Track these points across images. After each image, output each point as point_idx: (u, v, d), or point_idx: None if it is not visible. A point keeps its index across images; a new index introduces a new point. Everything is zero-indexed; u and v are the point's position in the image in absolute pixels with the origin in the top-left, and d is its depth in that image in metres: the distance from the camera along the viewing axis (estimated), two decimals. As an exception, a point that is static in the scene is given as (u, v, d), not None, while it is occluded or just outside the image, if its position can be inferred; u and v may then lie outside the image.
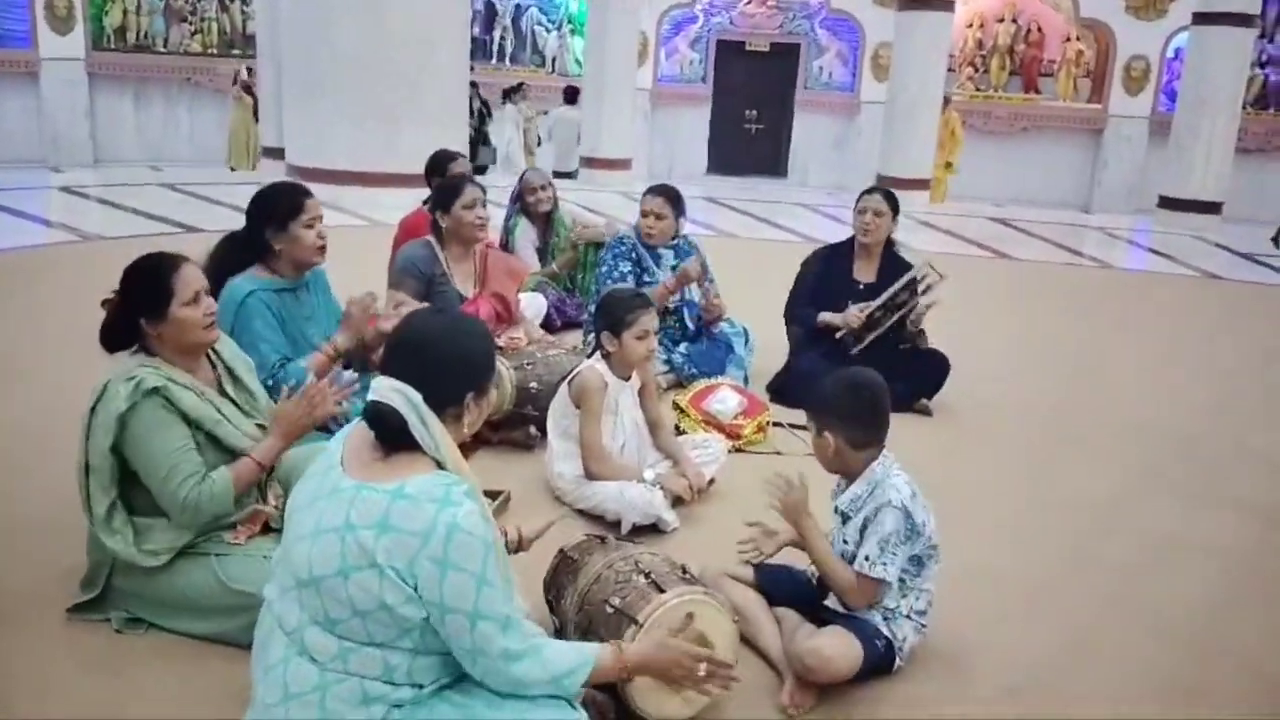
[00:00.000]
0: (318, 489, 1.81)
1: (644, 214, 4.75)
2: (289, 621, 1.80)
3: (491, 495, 3.18)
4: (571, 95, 14.71)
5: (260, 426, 2.54)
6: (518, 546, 2.36)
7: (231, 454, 2.44)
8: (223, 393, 2.54)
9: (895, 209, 4.64)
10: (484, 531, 1.71)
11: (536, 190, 5.80)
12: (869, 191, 4.77)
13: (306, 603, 1.76)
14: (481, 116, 14.55)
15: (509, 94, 14.42)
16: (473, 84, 15.03)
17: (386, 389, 1.77)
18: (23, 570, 2.70)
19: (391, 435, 1.77)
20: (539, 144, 14.71)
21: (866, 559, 2.37)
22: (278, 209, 3.18)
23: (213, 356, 2.57)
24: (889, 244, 4.71)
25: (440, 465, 1.76)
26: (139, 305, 2.36)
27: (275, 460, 2.52)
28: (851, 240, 4.74)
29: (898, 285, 4.47)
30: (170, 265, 2.39)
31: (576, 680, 1.83)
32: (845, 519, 2.50)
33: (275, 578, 1.88)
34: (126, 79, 14.93)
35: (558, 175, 13.81)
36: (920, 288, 4.49)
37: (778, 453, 3.96)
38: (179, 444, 2.34)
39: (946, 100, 14.55)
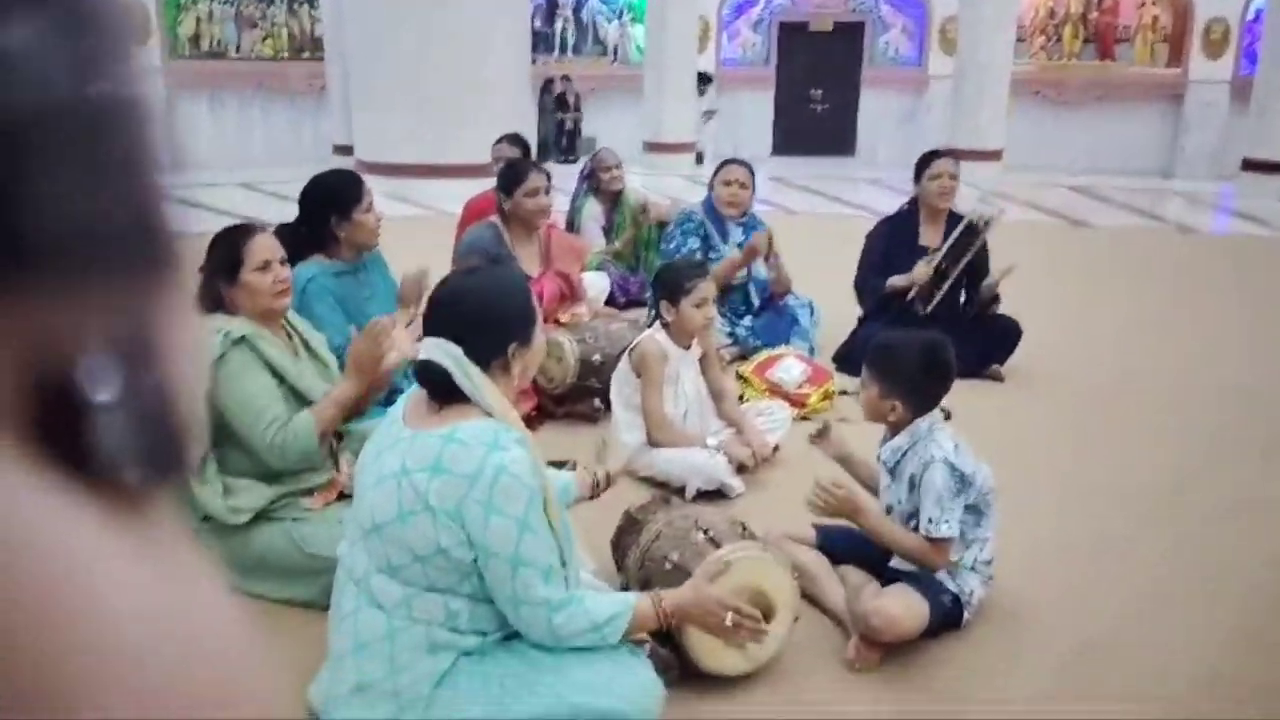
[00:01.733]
0: (381, 443, 1.88)
1: (726, 183, 4.76)
2: (357, 570, 1.86)
3: (558, 465, 3.22)
4: (702, 81, 14.87)
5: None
6: (606, 484, 2.40)
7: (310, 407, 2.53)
8: (298, 358, 2.66)
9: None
10: (530, 478, 1.75)
11: (611, 169, 5.84)
12: (937, 155, 4.71)
13: (373, 550, 1.82)
14: (570, 107, 14.80)
15: None
16: (565, 77, 15.27)
17: (431, 346, 1.82)
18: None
19: (440, 390, 1.82)
20: None
21: (930, 521, 2.35)
22: (341, 199, 3.31)
23: (288, 327, 2.68)
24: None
25: (490, 415, 1.80)
26: (215, 269, 2.51)
27: (351, 402, 2.57)
28: (913, 208, 4.68)
29: (955, 235, 4.42)
30: (244, 234, 2.54)
31: (617, 628, 1.85)
32: (890, 474, 2.49)
33: (347, 532, 1.94)
34: (201, 86, 15.35)
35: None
36: (979, 227, 4.43)
37: (844, 420, 3.93)
38: (266, 390, 2.46)
39: None
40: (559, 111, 15.47)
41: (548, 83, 15.38)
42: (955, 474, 2.36)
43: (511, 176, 4.29)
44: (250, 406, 2.43)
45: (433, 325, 1.87)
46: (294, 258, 3.23)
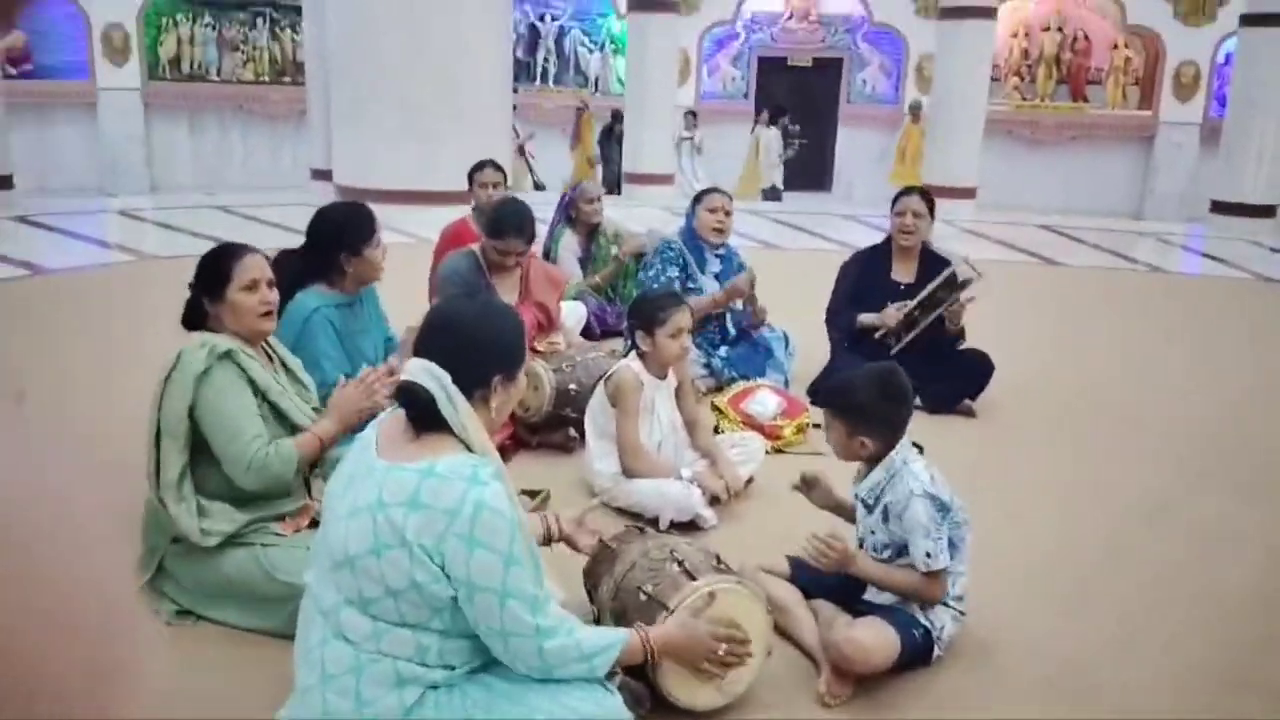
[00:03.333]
0: (353, 472, 1.86)
1: (712, 210, 4.79)
2: (325, 602, 1.84)
3: (531, 494, 3.22)
4: (775, 115, 15.25)
5: (316, 410, 2.65)
6: (559, 535, 2.35)
7: (291, 429, 2.54)
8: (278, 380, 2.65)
9: (931, 210, 4.63)
10: (510, 511, 1.74)
11: (593, 201, 5.87)
12: (906, 192, 4.76)
13: (342, 583, 1.80)
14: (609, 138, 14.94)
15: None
16: (614, 113, 15.45)
17: (417, 369, 1.82)
18: (87, 565, 2.77)
19: (421, 414, 1.81)
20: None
21: (927, 555, 2.35)
22: (354, 234, 3.27)
23: (268, 349, 2.68)
24: (924, 244, 4.70)
25: (468, 447, 1.80)
26: (202, 286, 2.52)
27: (332, 442, 2.59)
28: (888, 242, 4.73)
29: (935, 283, 4.45)
30: (233, 253, 2.54)
31: (608, 659, 1.84)
32: (868, 508, 2.50)
33: (314, 562, 1.92)
34: (181, 108, 15.32)
35: (766, 196, 14.66)
36: (958, 283, 4.46)
37: (818, 453, 3.94)
38: (249, 406, 2.45)
39: (918, 108, 14.74)
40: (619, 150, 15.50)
41: (609, 128, 15.42)
42: (936, 503, 2.37)
43: (494, 232, 4.22)
44: (233, 421, 2.43)
45: (423, 346, 1.88)
46: (297, 285, 3.24)
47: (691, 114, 15.69)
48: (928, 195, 4.71)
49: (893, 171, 15.03)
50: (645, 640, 1.95)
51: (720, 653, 2.06)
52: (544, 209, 6.25)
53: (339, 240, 3.26)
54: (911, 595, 2.41)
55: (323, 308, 3.22)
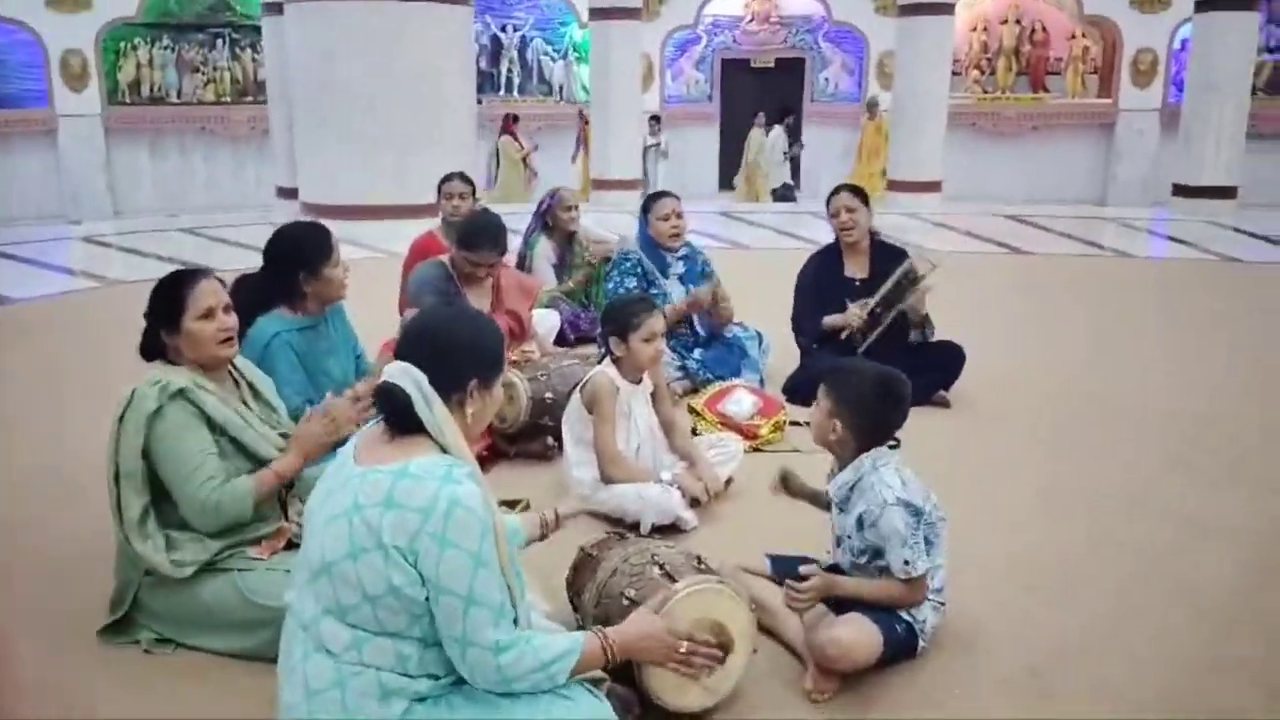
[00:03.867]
0: (331, 484, 1.86)
1: (664, 218, 4.79)
2: (305, 615, 1.83)
3: (510, 504, 3.20)
4: (780, 117, 15.35)
5: (284, 436, 2.60)
6: (555, 524, 2.37)
7: (255, 461, 2.49)
8: (245, 405, 2.60)
9: (864, 200, 4.70)
10: (484, 511, 1.74)
11: (571, 209, 5.86)
12: (835, 192, 4.81)
13: (321, 593, 1.80)
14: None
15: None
16: (654, 118, 15.42)
17: (395, 371, 1.82)
18: (61, 596, 2.76)
19: (398, 415, 1.81)
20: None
21: (905, 563, 2.36)
22: (310, 255, 3.20)
23: (234, 373, 2.64)
24: (872, 236, 4.74)
25: (444, 450, 1.80)
26: (157, 317, 2.47)
27: (294, 476, 2.56)
28: (839, 241, 4.76)
29: (891, 281, 4.48)
30: (186, 281, 2.48)
31: (564, 667, 1.83)
32: (840, 508, 2.51)
33: (295, 579, 1.91)
34: (142, 131, 15.18)
35: (777, 196, 14.63)
36: (915, 278, 4.49)
37: (795, 450, 3.96)
38: (202, 447, 2.40)
39: (874, 105, 14.89)
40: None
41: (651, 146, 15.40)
42: (910, 509, 2.38)
43: (467, 244, 4.24)
44: (186, 463, 2.38)
45: (404, 350, 1.88)
46: (258, 309, 3.20)
47: (655, 119, 15.73)
48: (856, 189, 4.78)
49: (853, 170, 15.13)
50: (604, 641, 1.94)
51: (682, 650, 2.04)
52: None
53: (296, 261, 3.19)
54: (894, 604, 2.41)
55: (282, 332, 3.17)
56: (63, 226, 12.65)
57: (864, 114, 15.48)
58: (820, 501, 2.69)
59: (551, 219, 5.86)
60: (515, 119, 15.34)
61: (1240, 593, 2.89)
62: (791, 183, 15.44)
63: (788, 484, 2.70)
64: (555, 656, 1.82)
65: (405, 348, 1.89)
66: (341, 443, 2.68)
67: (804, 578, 2.33)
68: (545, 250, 5.88)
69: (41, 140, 14.45)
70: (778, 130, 15.44)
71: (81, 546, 2.98)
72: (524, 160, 14.87)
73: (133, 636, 2.51)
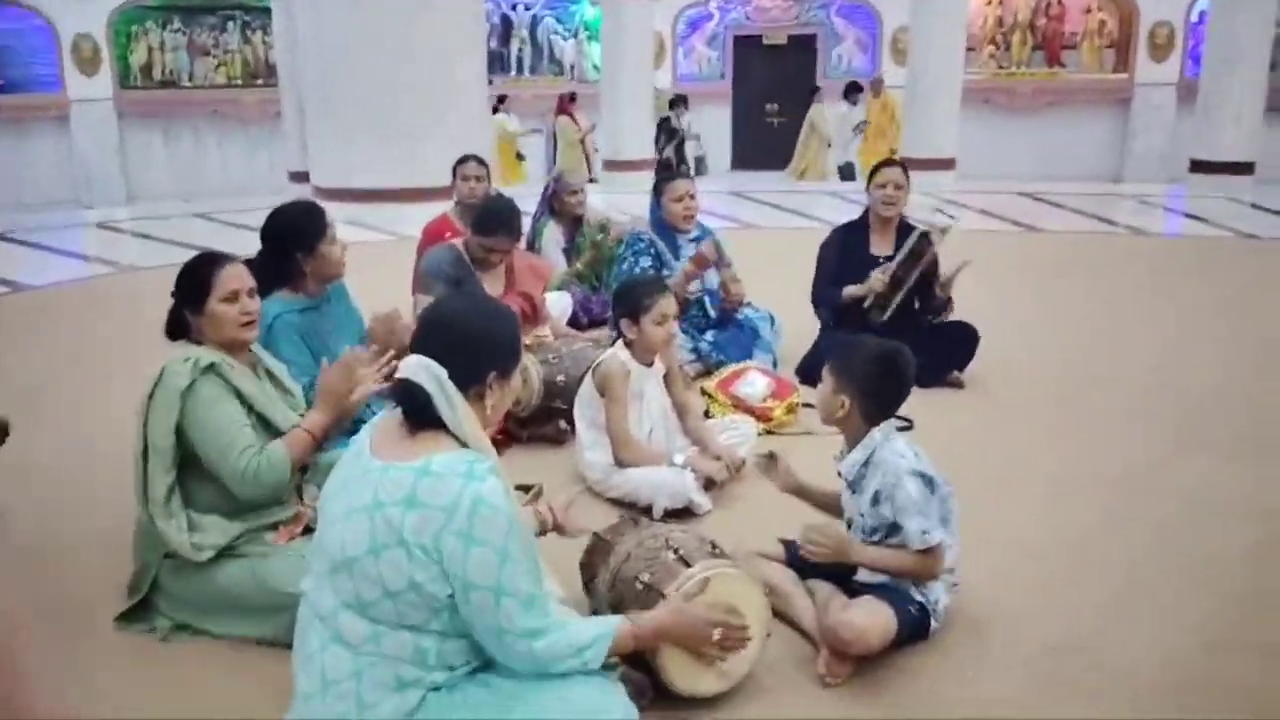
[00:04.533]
0: (348, 475, 1.86)
1: (678, 199, 4.78)
2: (323, 607, 1.83)
3: (524, 489, 3.21)
4: (849, 92, 14.94)
5: (302, 417, 2.62)
6: (553, 525, 2.37)
7: (278, 436, 2.52)
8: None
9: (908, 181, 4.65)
10: (507, 506, 1.74)
11: (576, 193, 5.85)
12: (887, 164, 4.77)
13: (340, 587, 1.80)
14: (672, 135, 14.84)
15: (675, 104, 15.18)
16: (679, 98, 15.27)
17: (415, 365, 1.81)
18: (79, 583, 2.79)
19: (418, 411, 1.80)
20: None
21: (923, 532, 2.35)
22: (304, 233, 3.24)
23: (253, 356, 2.67)
24: (901, 215, 4.72)
25: (463, 444, 1.79)
26: (182, 298, 2.51)
27: (324, 435, 2.57)
28: (865, 217, 4.73)
29: (912, 238, 4.47)
30: (213, 263, 2.53)
31: (599, 651, 1.84)
32: (851, 489, 2.50)
33: (311, 568, 1.92)
34: (154, 116, 15.21)
35: (843, 175, 14.36)
36: (935, 234, 4.48)
37: (809, 432, 3.95)
38: (237, 418, 2.44)
39: (880, 83, 14.73)
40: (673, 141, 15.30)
41: (664, 120, 15.20)
42: (924, 479, 2.38)
43: (482, 229, 4.24)
44: (223, 434, 2.41)
45: (421, 343, 1.86)
46: (262, 292, 3.21)
47: (682, 99, 15.50)
48: (905, 167, 4.73)
49: (859, 149, 15.00)
50: (639, 631, 1.94)
51: (717, 636, 2.06)
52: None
53: (293, 241, 3.23)
54: (910, 575, 2.41)
55: (285, 314, 3.19)
56: (76, 212, 12.71)
57: (868, 92, 15.23)
58: (808, 496, 2.68)
59: (558, 204, 5.85)
60: (573, 98, 15.11)
61: (1250, 570, 2.88)
62: (855, 162, 14.88)
63: (770, 468, 2.67)
64: (591, 640, 1.83)
65: (423, 342, 1.86)
66: (356, 427, 2.71)
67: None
68: (554, 234, 5.88)
69: (54, 125, 14.49)
70: (844, 106, 14.99)
71: (97, 534, 3.01)
72: (581, 140, 14.77)
73: (149, 623, 2.53)
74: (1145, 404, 4.41)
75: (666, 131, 15.11)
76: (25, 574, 2.87)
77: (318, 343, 3.28)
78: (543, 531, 2.35)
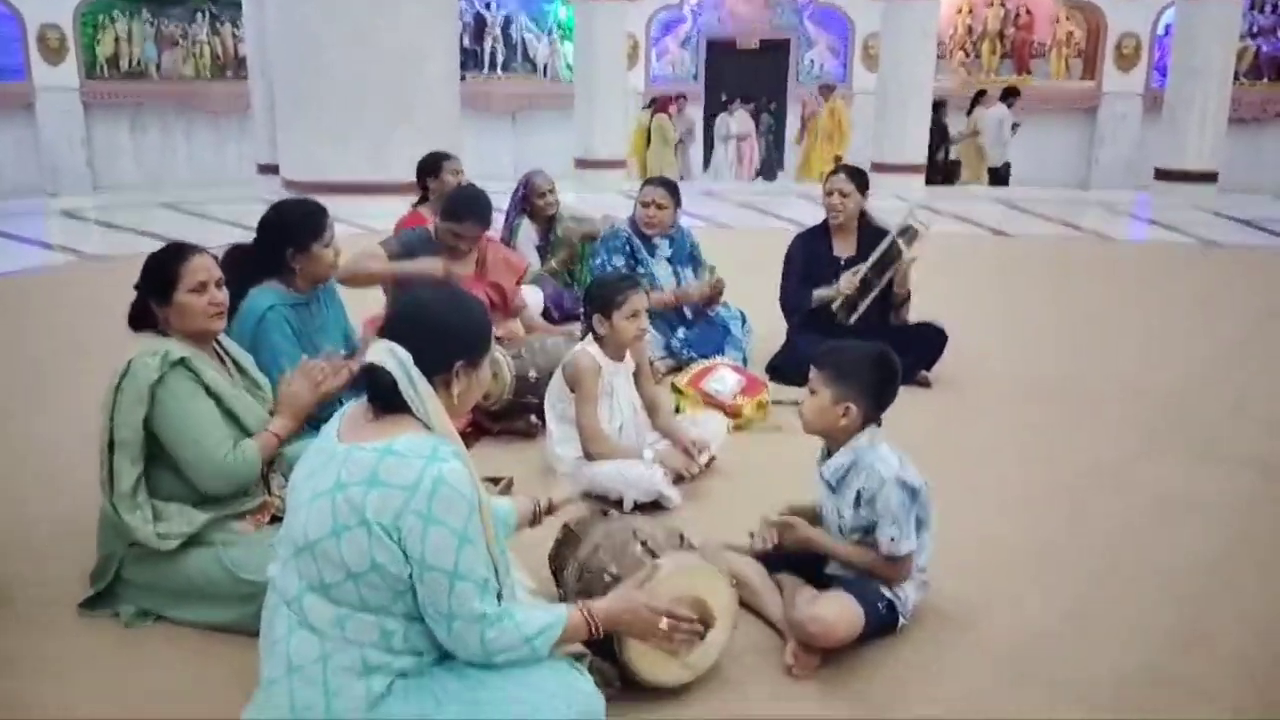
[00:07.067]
0: (314, 461, 1.86)
1: (644, 204, 4.80)
2: (289, 591, 1.82)
3: (493, 481, 3.20)
4: (1007, 95, 13.94)
5: (270, 413, 2.63)
6: (548, 510, 2.43)
7: (244, 431, 2.52)
8: (230, 378, 2.62)
9: (862, 185, 4.71)
10: (470, 491, 1.74)
11: (545, 194, 5.84)
12: (833, 172, 4.86)
13: (304, 570, 1.79)
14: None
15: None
16: (680, 96, 15.00)
17: (381, 350, 1.81)
18: (40, 570, 2.75)
19: (383, 395, 1.81)
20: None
21: (892, 540, 2.37)
22: (300, 232, 3.20)
23: (219, 349, 2.65)
24: (862, 216, 4.77)
25: (428, 429, 1.79)
26: (149, 289, 2.49)
27: (289, 436, 2.60)
28: (827, 221, 4.78)
29: (884, 244, 4.51)
30: (181, 254, 2.50)
31: (548, 639, 1.84)
32: (832, 489, 2.51)
33: (278, 554, 1.90)
34: (121, 106, 15.04)
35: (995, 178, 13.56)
36: (905, 240, 4.52)
37: (778, 429, 3.97)
38: (209, 413, 2.44)
39: (830, 88, 14.79)
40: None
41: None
42: (907, 489, 2.39)
43: (452, 215, 4.23)
44: (194, 429, 2.41)
45: (389, 329, 1.88)
46: (249, 281, 3.19)
47: (681, 97, 15.43)
48: (855, 171, 4.82)
49: (803, 152, 15.11)
50: (586, 614, 1.94)
51: (663, 626, 2.05)
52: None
53: (285, 237, 3.19)
54: (874, 575, 2.43)
55: (277, 306, 3.16)
56: (41, 200, 12.52)
57: (817, 96, 15.08)
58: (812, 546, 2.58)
59: (529, 205, 5.84)
60: (679, 98, 15.10)
61: (1214, 569, 2.92)
62: (1009, 161, 13.88)
63: (785, 533, 2.53)
64: (539, 630, 1.83)
65: (392, 328, 1.88)
66: (326, 416, 2.70)
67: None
68: (528, 233, 5.89)
69: (19, 114, 14.30)
70: (1000, 109, 13.82)
71: (59, 522, 2.97)
72: (679, 142, 14.71)
73: (113, 609, 2.50)
74: (1112, 405, 4.47)
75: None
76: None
77: (305, 340, 3.25)
78: (534, 521, 2.38)
